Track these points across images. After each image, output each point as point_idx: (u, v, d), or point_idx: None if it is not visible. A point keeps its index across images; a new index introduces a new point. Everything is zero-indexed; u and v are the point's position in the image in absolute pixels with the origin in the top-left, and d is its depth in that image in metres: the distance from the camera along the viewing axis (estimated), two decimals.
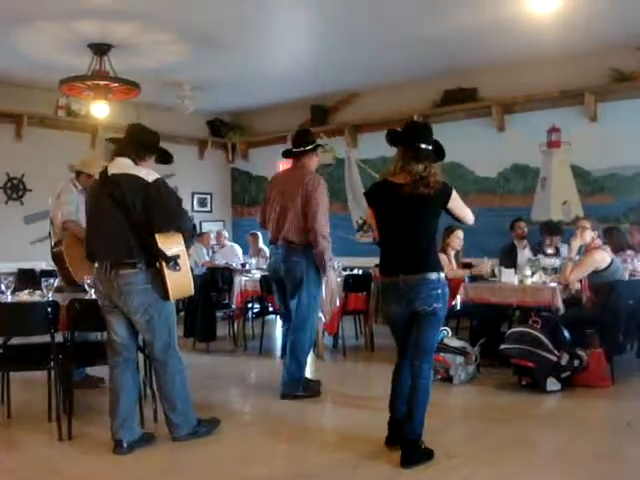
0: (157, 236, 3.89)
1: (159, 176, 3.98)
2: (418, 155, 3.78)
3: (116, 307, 4.02)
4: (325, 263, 5.17)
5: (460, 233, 7.02)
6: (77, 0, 6.35)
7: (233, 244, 10.63)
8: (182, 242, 3.99)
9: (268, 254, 9.62)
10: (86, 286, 4.63)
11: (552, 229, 7.78)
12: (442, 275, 3.84)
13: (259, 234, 10.19)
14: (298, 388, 5.25)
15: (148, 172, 3.98)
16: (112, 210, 3.91)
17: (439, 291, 3.78)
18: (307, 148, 5.35)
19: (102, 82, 7.73)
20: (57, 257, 5.44)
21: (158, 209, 3.89)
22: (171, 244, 3.93)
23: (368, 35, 7.61)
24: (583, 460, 3.86)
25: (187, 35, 7.46)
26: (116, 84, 7.77)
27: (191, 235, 4.17)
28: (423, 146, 3.80)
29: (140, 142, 4.13)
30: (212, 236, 10.39)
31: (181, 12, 6.76)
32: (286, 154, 5.56)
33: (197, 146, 11.84)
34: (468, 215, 4.00)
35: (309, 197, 5.16)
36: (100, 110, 8.65)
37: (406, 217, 3.83)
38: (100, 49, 7.68)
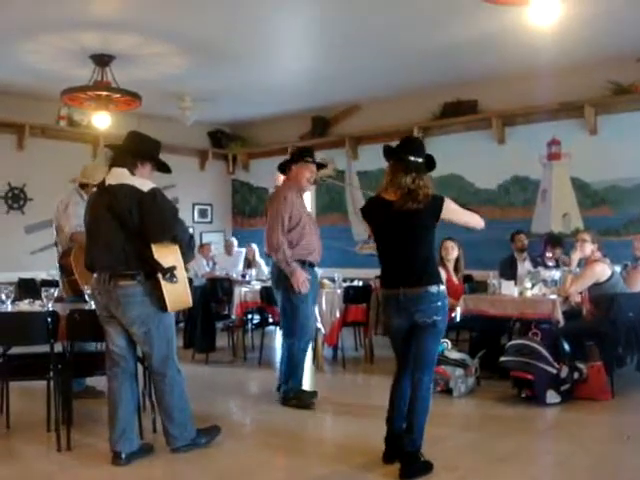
0: (153, 247, 3.87)
1: (155, 186, 3.96)
2: (406, 167, 3.79)
3: (114, 318, 4.01)
4: (285, 269, 5.23)
5: (447, 243, 7.03)
6: (79, 11, 6.38)
7: (241, 250, 10.52)
8: (179, 253, 3.96)
9: (263, 266, 9.66)
10: (86, 296, 4.65)
11: (555, 241, 7.79)
12: (442, 287, 3.84)
13: (254, 247, 10.16)
14: (291, 394, 5.33)
15: (144, 182, 3.96)
16: (109, 221, 3.91)
17: (439, 303, 3.78)
18: (289, 162, 5.48)
19: (104, 93, 7.75)
20: (65, 268, 5.45)
21: (152, 219, 3.87)
22: (167, 255, 3.90)
23: (369, 47, 7.64)
24: (582, 473, 3.85)
25: (188, 47, 7.49)
26: (118, 95, 7.80)
27: (189, 247, 4.09)
28: (412, 158, 3.81)
29: (134, 151, 4.11)
30: (212, 247, 10.34)
31: (182, 24, 6.80)
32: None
33: (198, 157, 11.85)
34: (474, 220, 3.98)
35: (269, 209, 5.37)
36: (101, 121, 8.67)
37: (399, 233, 3.84)
38: (102, 60, 7.71)
